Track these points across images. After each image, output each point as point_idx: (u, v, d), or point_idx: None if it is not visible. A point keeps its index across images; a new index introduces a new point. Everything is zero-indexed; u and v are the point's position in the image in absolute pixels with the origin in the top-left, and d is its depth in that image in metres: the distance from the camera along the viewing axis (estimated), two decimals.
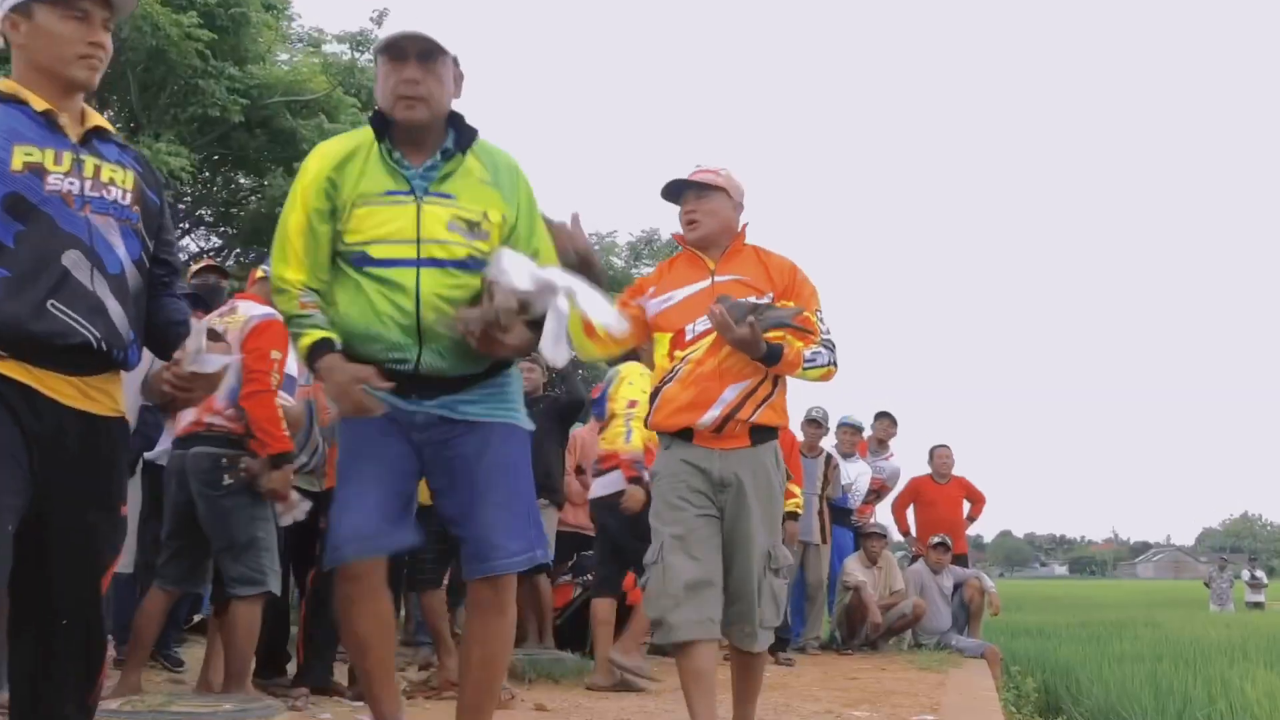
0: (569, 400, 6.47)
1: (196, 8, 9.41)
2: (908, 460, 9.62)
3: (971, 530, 10.15)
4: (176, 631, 5.35)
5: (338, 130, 8.14)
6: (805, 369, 3.33)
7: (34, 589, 2.13)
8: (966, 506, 9.34)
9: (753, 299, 3.26)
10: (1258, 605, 24.25)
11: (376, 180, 2.49)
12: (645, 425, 3.69)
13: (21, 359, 2.08)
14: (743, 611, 3.29)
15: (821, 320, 3.38)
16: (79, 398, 2.16)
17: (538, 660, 5.35)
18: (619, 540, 5.09)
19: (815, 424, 7.96)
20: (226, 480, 3.97)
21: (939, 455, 9.31)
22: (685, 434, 3.32)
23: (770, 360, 3.24)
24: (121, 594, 4.49)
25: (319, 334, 2.48)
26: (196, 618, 5.74)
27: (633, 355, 4.93)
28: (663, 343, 3.39)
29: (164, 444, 5.07)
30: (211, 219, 12.48)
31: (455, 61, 2.55)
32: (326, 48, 11.65)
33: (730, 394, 3.27)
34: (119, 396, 2.25)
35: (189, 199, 11.62)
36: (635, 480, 4.92)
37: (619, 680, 4.95)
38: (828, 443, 8.23)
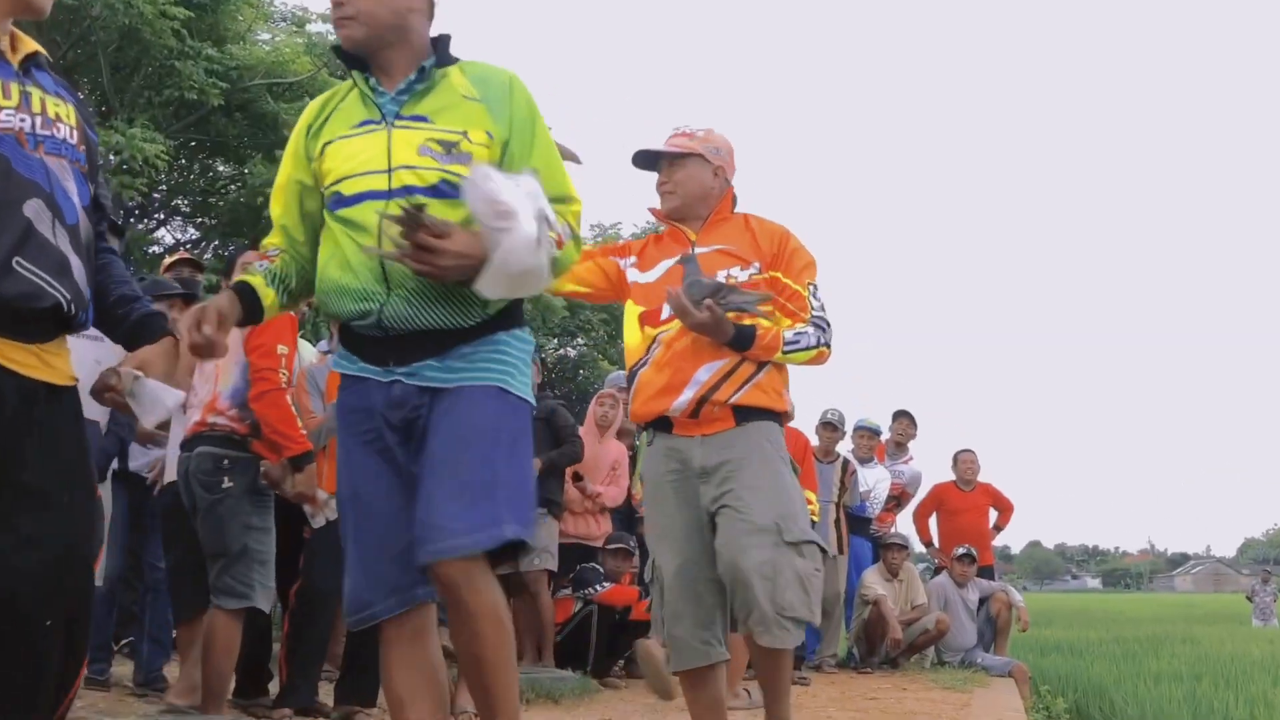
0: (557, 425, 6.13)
1: None
2: (930, 466, 9.64)
3: (998, 541, 10.14)
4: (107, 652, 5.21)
5: None
6: (787, 352, 3.14)
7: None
8: (993, 515, 9.34)
9: (718, 278, 3.10)
10: None
11: (351, 114, 2.44)
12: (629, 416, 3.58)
13: None
14: (745, 600, 3.03)
15: (815, 295, 3.22)
16: (40, 367, 2.02)
17: (538, 680, 5.33)
18: None
19: (831, 427, 7.95)
20: (225, 483, 3.98)
21: (963, 460, 9.29)
22: (664, 423, 3.20)
23: (740, 345, 3.08)
24: (96, 610, 4.44)
25: (246, 278, 2.44)
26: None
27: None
28: (632, 318, 3.26)
29: (144, 458, 5.08)
30: (188, 209, 12.45)
31: None
32: (311, 27, 11.58)
33: (704, 374, 3.11)
34: (70, 361, 2.12)
35: (164, 188, 11.59)
36: None
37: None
38: (844, 447, 8.23)
